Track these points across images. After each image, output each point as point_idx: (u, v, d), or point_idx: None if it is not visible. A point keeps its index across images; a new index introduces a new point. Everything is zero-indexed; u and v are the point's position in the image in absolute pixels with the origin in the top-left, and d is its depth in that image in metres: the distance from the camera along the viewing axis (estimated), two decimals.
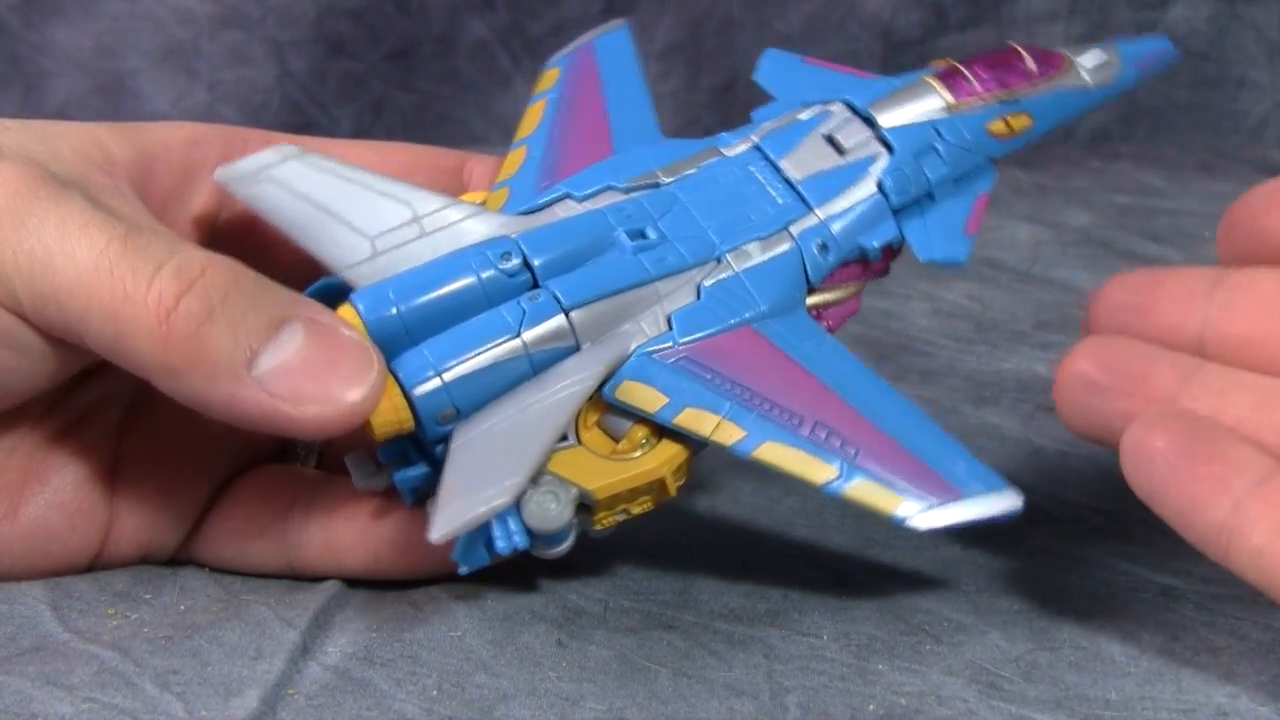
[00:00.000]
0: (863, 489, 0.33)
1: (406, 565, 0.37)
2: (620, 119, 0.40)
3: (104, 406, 0.38)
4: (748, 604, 0.38)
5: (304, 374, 0.34)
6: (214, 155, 0.39)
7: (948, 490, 0.33)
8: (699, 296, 0.36)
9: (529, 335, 0.35)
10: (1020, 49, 0.40)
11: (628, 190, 0.38)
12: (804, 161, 0.38)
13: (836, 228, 0.38)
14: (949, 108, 0.39)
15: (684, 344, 0.35)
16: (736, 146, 0.39)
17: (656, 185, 0.38)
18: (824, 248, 0.37)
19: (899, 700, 0.33)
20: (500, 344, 0.35)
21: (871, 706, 0.33)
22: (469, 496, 0.33)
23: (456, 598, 0.37)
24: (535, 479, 0.34)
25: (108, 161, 0.38)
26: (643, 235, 0.37)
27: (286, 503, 0.38)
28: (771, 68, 0.42)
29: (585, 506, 0.35)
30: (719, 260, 0.37)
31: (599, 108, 0.41)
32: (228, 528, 0.39)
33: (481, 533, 0.34)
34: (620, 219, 0.37)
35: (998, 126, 0.39)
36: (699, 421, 0.34)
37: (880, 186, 0.38)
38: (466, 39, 0.87)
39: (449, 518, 0.32)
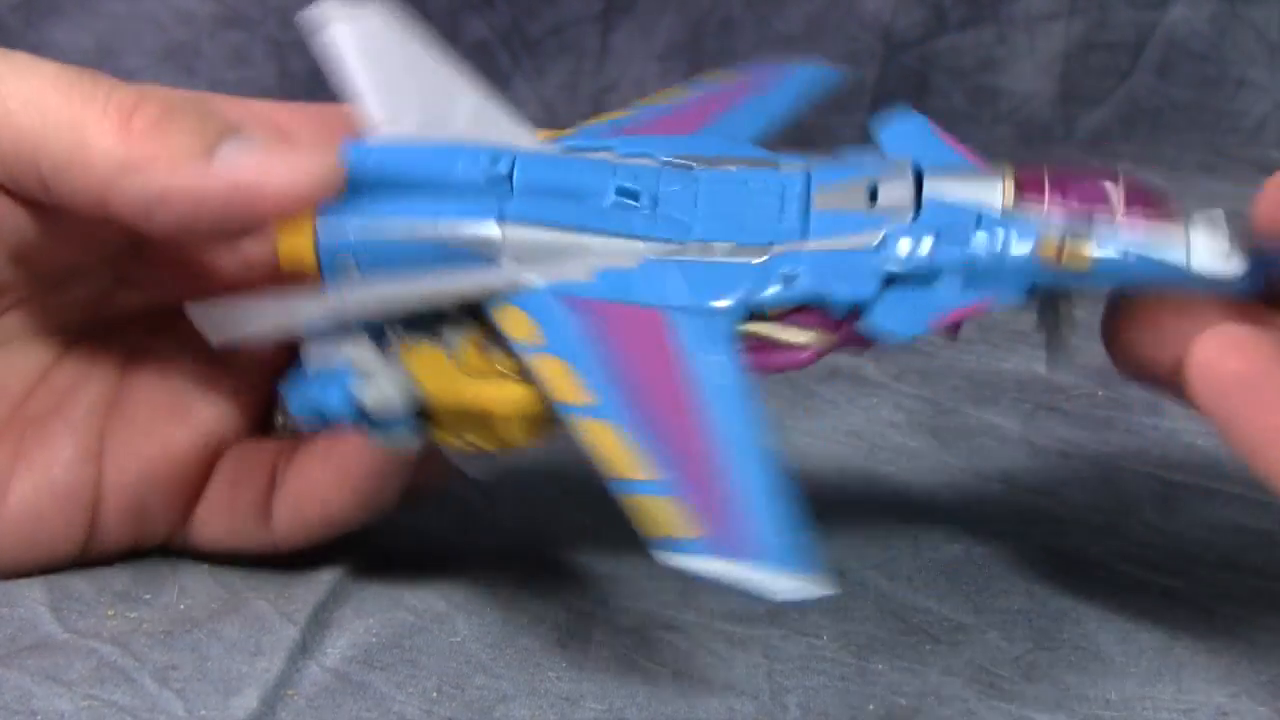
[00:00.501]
0: (659, 503, 0.31)
1: (386, 492, 0.37)
2: (731, 119, 0.39)
3: (85, 384, 0.38)
4: (748, 604, 0.38)
5: (265, 157, 0.33)
6: None
7: (740, 547, 0.30)
8: (636, 265, 0.34)
9: (456, 228, 0.34)
10: (1128, 178, 0.33)
11: (661, 163, 0.36)
12: (834, 198, 0.35)
13: (812, 263, 0.34)
14: (1007, 205, 0.34)
15: (590, 301, 0.34)
16: (792, 166, 0.36)
17: (690, 168, 0.36)
18: (790, 279, 0.34)
19: (899, 700, 0.33)
20: (424, 225, 0.34)
21: (871, 706, 0.33)
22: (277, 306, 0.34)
23: (455, 606, 0.37)
24: (385, 364, 0.34)
25: None
26: (633, 197, 0.35)
27: (269, 473, 0.38)
28: (900, 127, 0.37)
29: (429, 417, 0.34)
30: (682, 244, 0.34)
31: (722, 106, 0.39)
32: (215, 505, 0.38)
33: (319, 392, 0.34)
34: (623, 176, 0.35)
35: (1049, 248, 0.33)
36: (554, 370, 0.33)
37: (882, 243, 0.34)
38: (466, 39, 0.87)
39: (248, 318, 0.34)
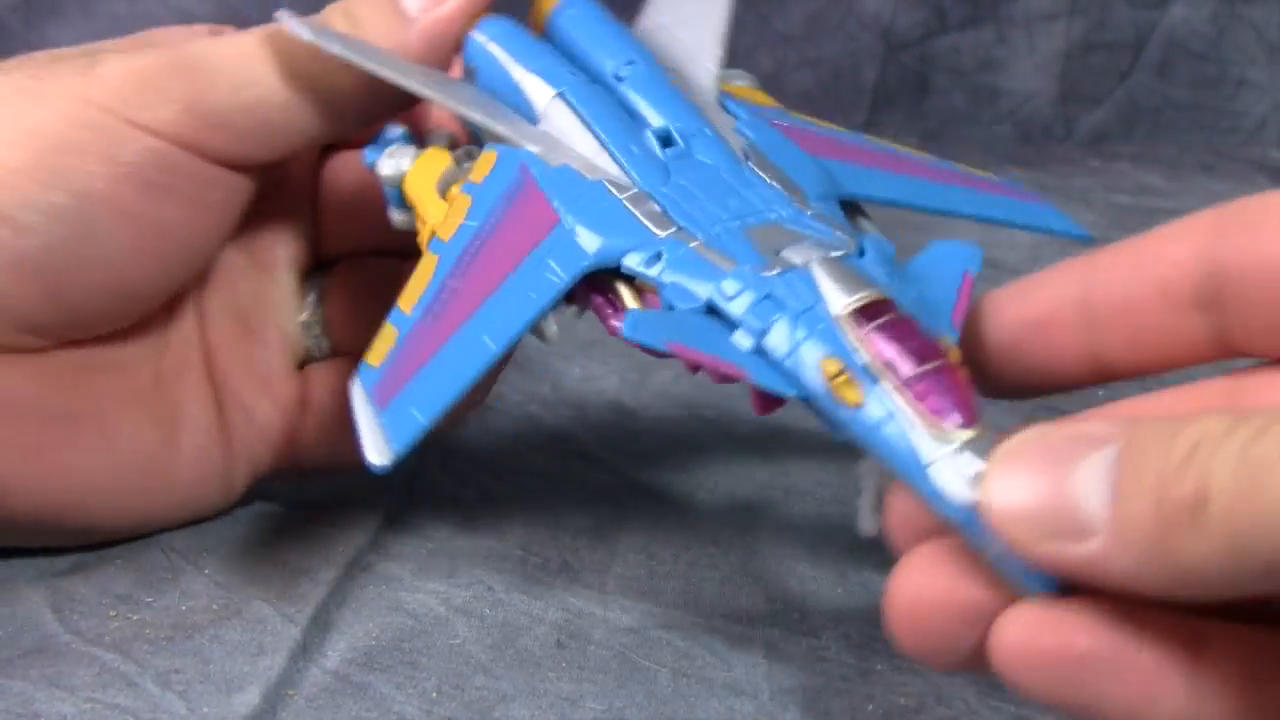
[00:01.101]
0: (389, 333, 0.34)
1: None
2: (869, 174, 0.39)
3: (186, 329, 0.40)
4: (748, 604, 0.38)
5: None
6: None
7: (383, 395, 0.33)
8: (593, 180, 0.35)
9: (526, 79, 0.37)
10: (947, 363, 0.29)
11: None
12: (771, 232, 0.33)
13: (685, 256, 0.33)
14: (839, 314, 0.30)
15: (530, 176, 0.35)
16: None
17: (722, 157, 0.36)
18: (656, 258, 0.33)
19: (899, 700, 0.34)
20: (516, 66, 0.38)
21: (871, 706, 0.33)
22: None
23: (455, 608, 0.37)
24: (409, 150, 0.38)
25: None
26: (666, 142, 0.35)
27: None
28: (947, 252, 0.34)
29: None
30: (640, 192, 0.34)
31: (887, 164, 0.39)
32: (313, 424, 0.40)
33: None
34: (670, 124, 0.36)
35: (832, 367, 0.29)
36: (457, 204, 0.36)
37: (730, 273, 0.32)
38: None
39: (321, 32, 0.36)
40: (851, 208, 0.36)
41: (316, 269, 0.42)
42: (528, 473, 0.46)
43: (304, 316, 0.42)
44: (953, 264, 0.33)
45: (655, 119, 0.36)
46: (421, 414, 0.32)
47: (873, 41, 0.90)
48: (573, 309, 0.35)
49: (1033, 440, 0.26)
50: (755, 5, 0.87)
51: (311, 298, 0.42)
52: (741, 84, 0.40)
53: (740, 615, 0.37)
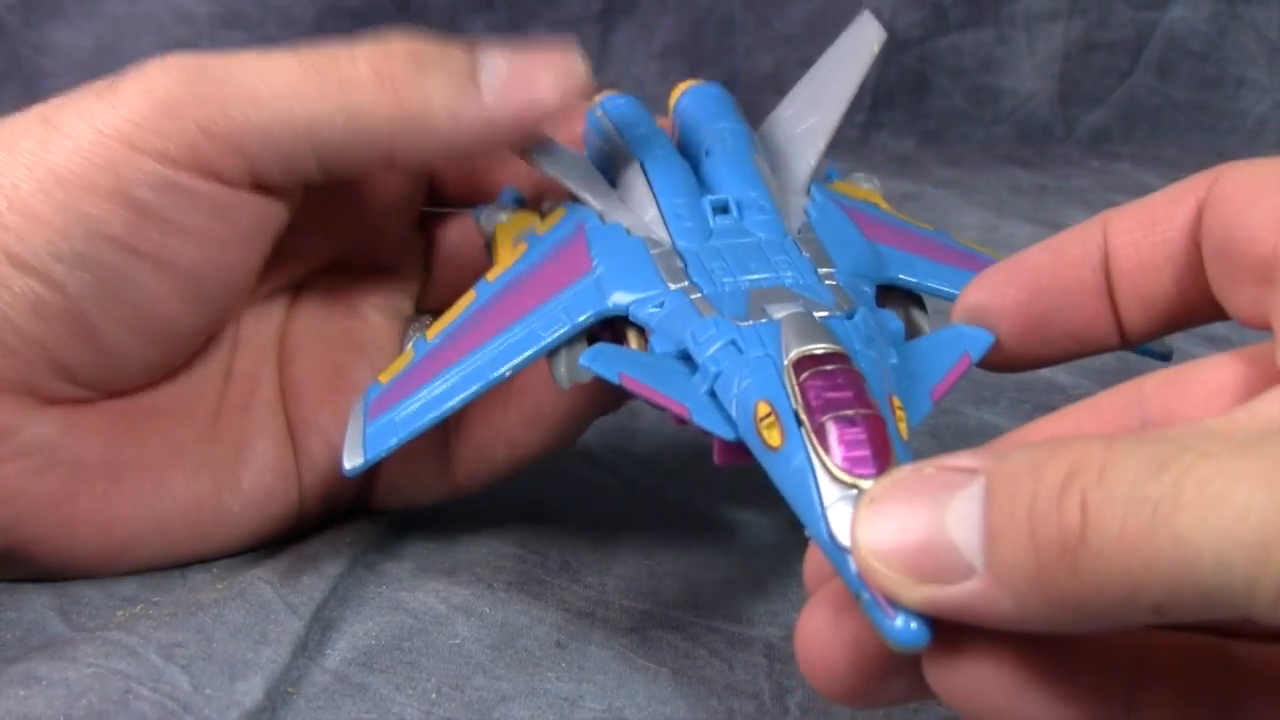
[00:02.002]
0: (407, 356, 0.37)
1: (577, 427, 0.39)
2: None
3: (259, 364, 0.40)
4: (748, 603, 0.38)
5: (524, 70, 0.36)
6: None
7: (374, 410, 0.36)
8: (634, 236, 0.37)
9: (621, 158, 0.40)
10: (872, 415, 0.29)
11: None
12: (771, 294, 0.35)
13: (678, 305, 0.34)
14: (787, 365, 0.31)
15: (582, 232, 0.37)
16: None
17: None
18: (659, 306, 0.35)
19: None
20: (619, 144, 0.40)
21: None
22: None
23: (454, 608, 0.37)
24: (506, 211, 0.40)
25: None
26: (723, 211, 0.37)
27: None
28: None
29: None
30: (674, 254, 0.36)
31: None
32: (392, 460, 0.39)
33: None
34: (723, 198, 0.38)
35: (763, 409, 0.30)
36: (511, 253, 0.38)
37: (706, 322, 0.33)
38: (466, 39, 0.87)
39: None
40: (905, 295, 0.38)
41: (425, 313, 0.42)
42: (528, 473, 0.46)
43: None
44: (958, 344, 0.33)
45: (721, 190, 0.38)
46: (400, 430, 0.35)
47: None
48: (581, 371, 0.36)
49: (902, 479, 0.25)
50: (755, 5, 0.87)
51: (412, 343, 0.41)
52: (867, 187, 0.42)
53: (740, 615, 0.37)
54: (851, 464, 0.28)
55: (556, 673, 0.34)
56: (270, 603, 0.36)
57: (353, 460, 0.35)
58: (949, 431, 0.49)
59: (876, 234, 0.38)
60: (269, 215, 0.37)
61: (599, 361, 0.33)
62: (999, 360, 0.33)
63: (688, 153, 0.40)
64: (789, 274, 0.35)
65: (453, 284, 0.41)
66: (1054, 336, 0.32)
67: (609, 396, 0.38)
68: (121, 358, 0.36)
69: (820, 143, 0.40)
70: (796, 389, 0.30)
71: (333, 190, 0.38)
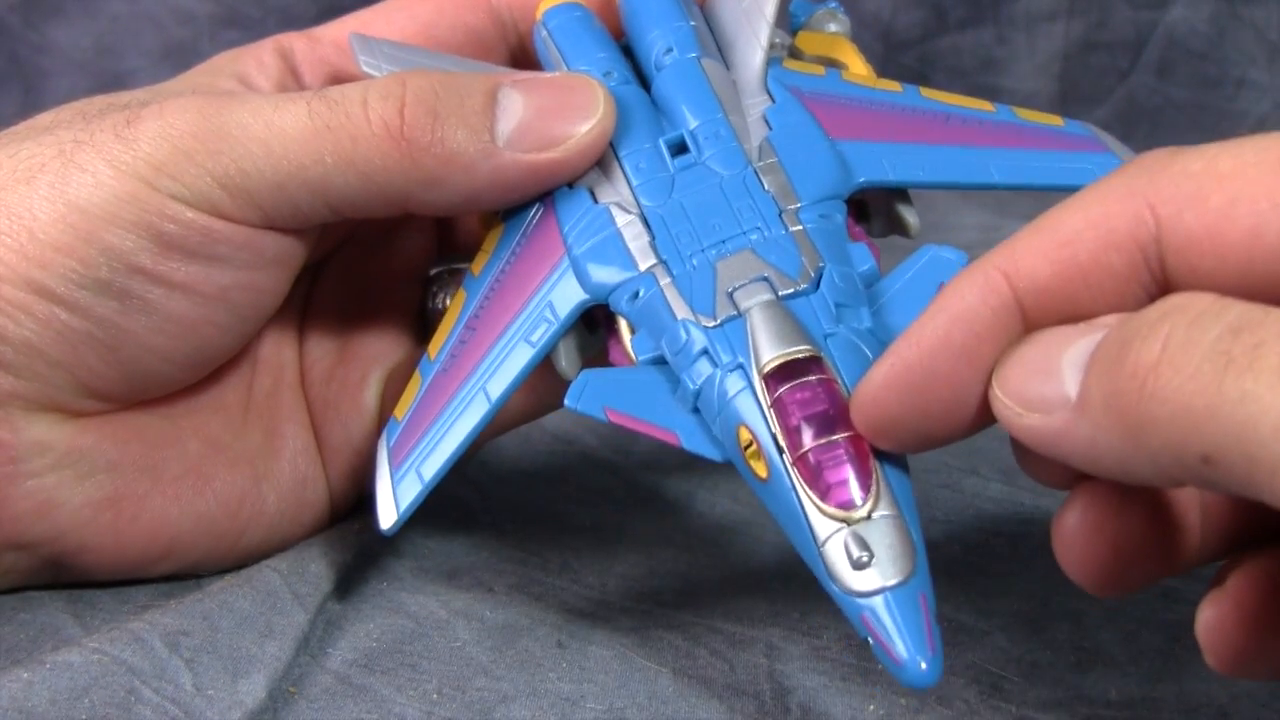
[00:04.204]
0: (416, 382, 0.36)
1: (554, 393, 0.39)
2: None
3: (282, 348, 0.40)
4: (749, 603, 0.38)
5: (542, 121, 0.36)
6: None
7: (400, 455, 0.36)
8: (598, 205, 0.36)
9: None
10: (850, 436, 0.29)
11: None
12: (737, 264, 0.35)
13: (653, 296, 0.34)
14: (761, 373, 0.31)
15: (553, 210, 0.37)
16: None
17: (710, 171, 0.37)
18: (635, 296, 0.34)
19: (900, 700, 0.33)
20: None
21: (872, 706, 0.33)
22: None
23: (455, 611, 0.37)
24: None
25: (258, 64, 0.40)
26: (677, 150, 0.37)
27: None
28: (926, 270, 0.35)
29: None
30: (639, 216, 0.36)
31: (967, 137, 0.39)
32: None
33: None
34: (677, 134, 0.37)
35: (745, 435, 0.31)
36: (491, 237, 0.38)
37: (683, 325, 0.33)
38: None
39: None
40: (885, 190, 0.37)
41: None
42: (528, 473, 0.46)
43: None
44: (931, 276, 0.33)
45: (674, 114, 0.37)
46: (423, 478, 0.35)
47: (873, 41, 0.90)
48: (599, 334, 0.37)
49: (1042, 335, 0.27)
50: None
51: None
52: (834, 28, 0.41)
53: (740, 615, 0.37)
54: (838, 501, 0.29)
55: (558, 673, 0.34)
56: (278, 592, 0.36)
57: (388, 519, 0.35)
58: None
59: (843, 126, 0.37)
60: (293, 246, 0.37)
61: (584, 401, 0.33)
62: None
63: (637, 56, 0.39)
64: (755, 228, 0.34)
65: (467, 231, 0.42)
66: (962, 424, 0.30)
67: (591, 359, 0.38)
68: (149, 377, 0.37)
69: (769, 11, 0.39)
70: (772, 410, 0.30)
71: None
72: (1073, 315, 0.27)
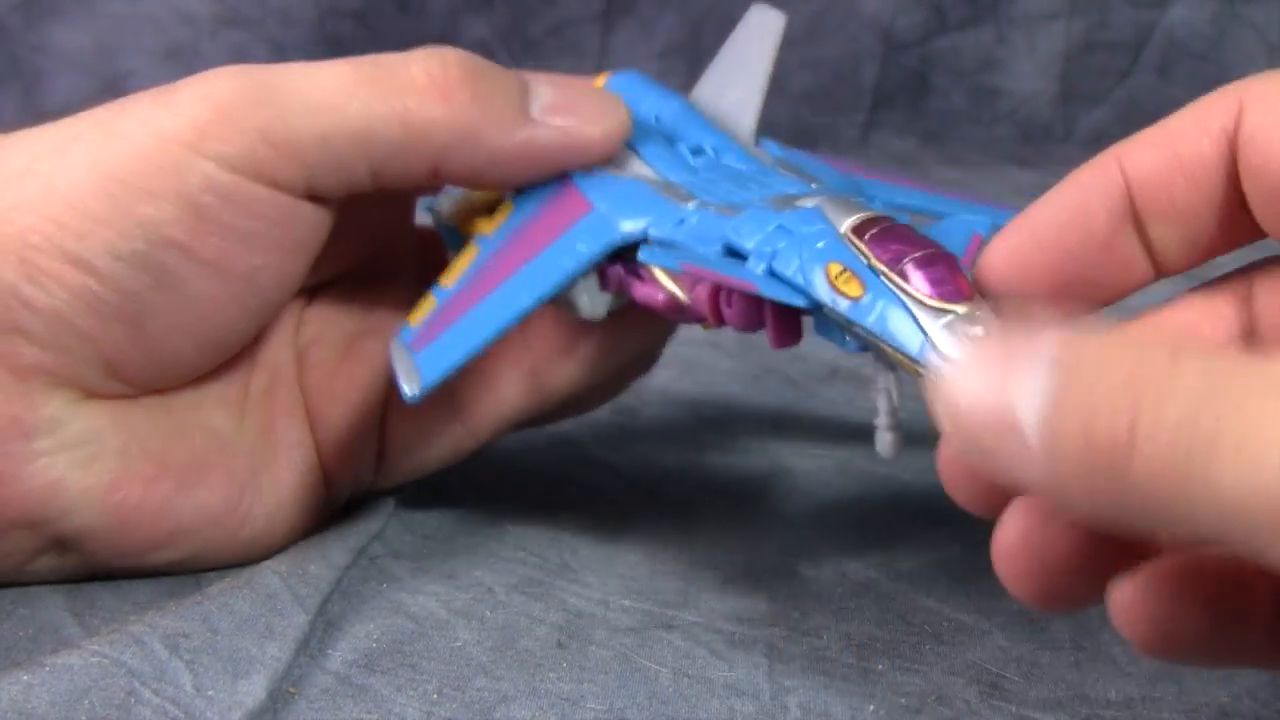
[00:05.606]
0: (429, 301, 0.37)
1: (610, 359, 0.40)
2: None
3: (280, 349, 0.40)
4: (748, 603, 0.38)
5: (570, 104, 0.37)
6: None
7: (418, 343, 0.36)
8: (627, 177, 0.38)
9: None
10: (940, 251, 0.31)
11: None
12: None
13: (701, 222, 0.35)
14: (844, 232, 0.32)
15: (574, 182, 0.38)
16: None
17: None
18: (681, 222, 0.36)
19: (900, 700, 0.33)
20: None
21: (872, 706, 0.33)
22: None
23: (455, 611, 0.37)
24: None
25: None
26: (696, 153, 0.38)
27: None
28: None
29: None
30: (669, 183, 0.37)
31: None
32: (403, 418, 0.40)
33: None
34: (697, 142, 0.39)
35: (834, 269, 0.32)
36: (502, 209, 0.39)
37: (737, 221, 0.35)
38: (466, 39, 0.87)
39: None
40: None
41: None
42: (528, 473, 0.46)
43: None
44: (965, 227, 0.35)
45: (690, 139, 0.39)
46: (455, 353, 0.35)
47: (873, 42, 0.90)
48: (609, 297, 0.37)
49: (985, 352, 0.25)
50: None
51: None
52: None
53: (740, 615, 0.37)
54: (941, 293, 0.30)
55: (557, 673, 0.34)
56: (278, 593, 0.36)
57: (411, 387, 0.35)
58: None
59: (840, 166, 0.40)
60: (318, 223, 0.37)
61: (655, 256, 0.34)
62: None
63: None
64: (793, 189, 0.36)
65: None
66: (1088, 290, 0.31)
67: (641, 332, 0.39)
68: (171, 358, 0.37)
69: (753, 106, 0.40)
70: (863, 247, 0.31)
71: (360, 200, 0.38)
72: (1169, 210, 0.29)
